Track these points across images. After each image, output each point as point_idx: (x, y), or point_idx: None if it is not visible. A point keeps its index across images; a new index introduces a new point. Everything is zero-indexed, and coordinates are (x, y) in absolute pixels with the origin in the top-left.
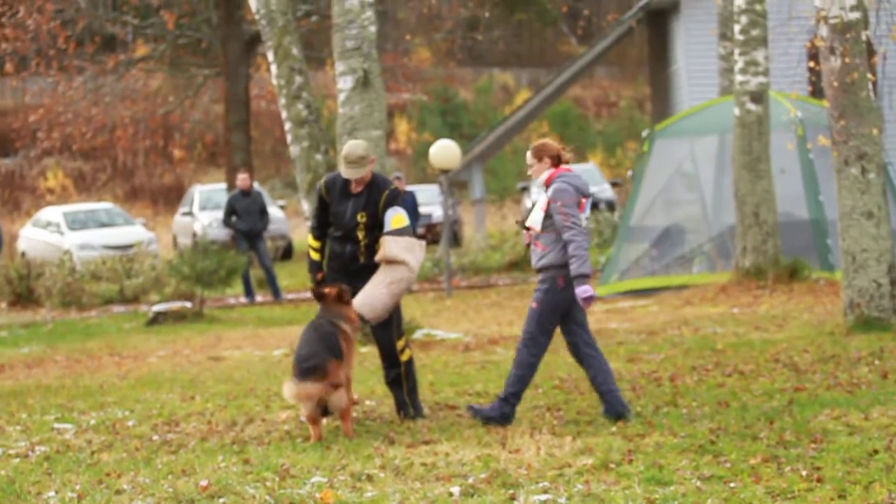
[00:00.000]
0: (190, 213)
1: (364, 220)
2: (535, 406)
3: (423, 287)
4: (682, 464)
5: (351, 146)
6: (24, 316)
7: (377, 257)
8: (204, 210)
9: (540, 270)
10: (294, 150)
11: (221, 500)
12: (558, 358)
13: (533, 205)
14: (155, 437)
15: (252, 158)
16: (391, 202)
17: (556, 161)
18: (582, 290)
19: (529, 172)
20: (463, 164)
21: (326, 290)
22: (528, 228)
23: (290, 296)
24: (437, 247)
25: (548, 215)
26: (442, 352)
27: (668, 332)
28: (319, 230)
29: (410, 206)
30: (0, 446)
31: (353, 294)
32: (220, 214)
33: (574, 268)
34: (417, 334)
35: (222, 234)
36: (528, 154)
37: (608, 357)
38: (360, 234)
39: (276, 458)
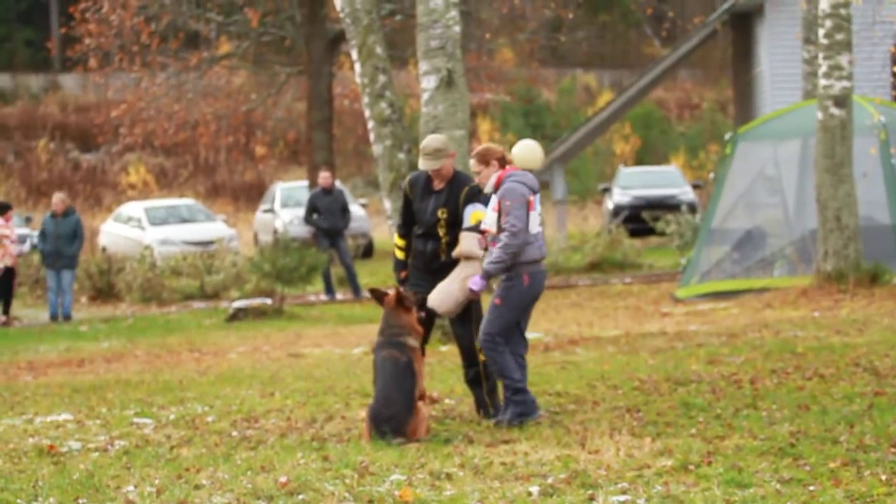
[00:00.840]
0: (271, 211)
1: (445, 216)
2: (615, 407)
3: None
4: (762, 466)
5: (429, 139)
6: (105, 311)
7: (454, 253)
8: (285, 207)
9: (507, 270)
10: (376, 149)
11: (300, 497)
12: (638, 359)
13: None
14: (234, 433)
15: (334, 157)
16: (471, 199)
17: (502, 163)
18: (475, 281)
19: (477, 180)
20: (545, 165)
21: (386, 293)
22: (483, 232)
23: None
24: None
25: (501, 215)
26: None
27: (748, 334)
28: (404, 228)
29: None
30: (80, 440)
31: (423, 300)
32: (301, 212)
33: (487, 263)
34: None
35: (303, 231)
36: (473, 161)
37: (688, 360)
38: (441, 231)
39: (355, 455)
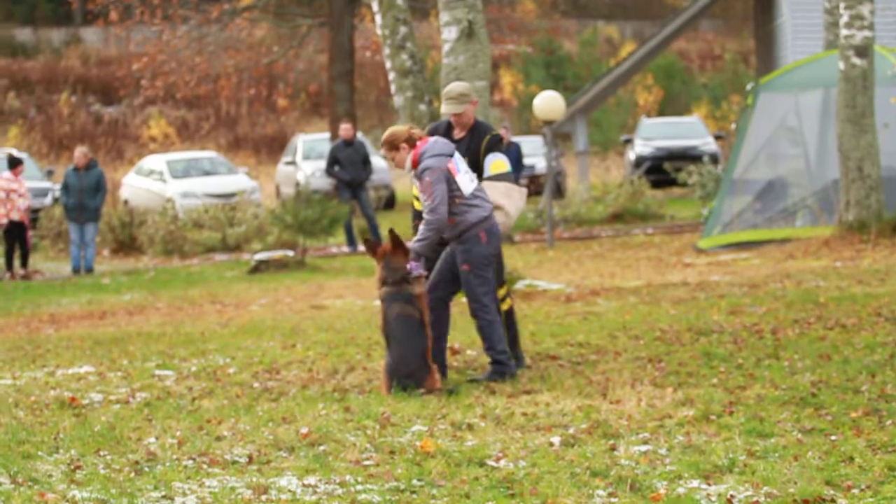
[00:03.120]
0: (293, 163)
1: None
2: (637, 357)
3: (526, 238)
4: (783, 416)
5: (453, 84)
6: (127, 263)
7: None
8: (307, 160)
9: (460, 236)
10: (398, 101)
11: (322, 448)
12: (660, 309)
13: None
14: (256, 385)
15: (355, 108)
16: (492, 147)
17: (412, 142)
18: (411, 265)
19: (393, 167)
20: (567, 116)
21: (379, 243)
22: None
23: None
24: (540, 198)
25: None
26: (544, 302)
27: (770, 285)
28: None
29: (515, 157)
30: (101, 392)
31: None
32: (323, 164)
33: (414, 241)
34: (519, 285)
35: (325, 183)
36: (383, 151)
37: (710, 310)
38: None
39: (376, 406)
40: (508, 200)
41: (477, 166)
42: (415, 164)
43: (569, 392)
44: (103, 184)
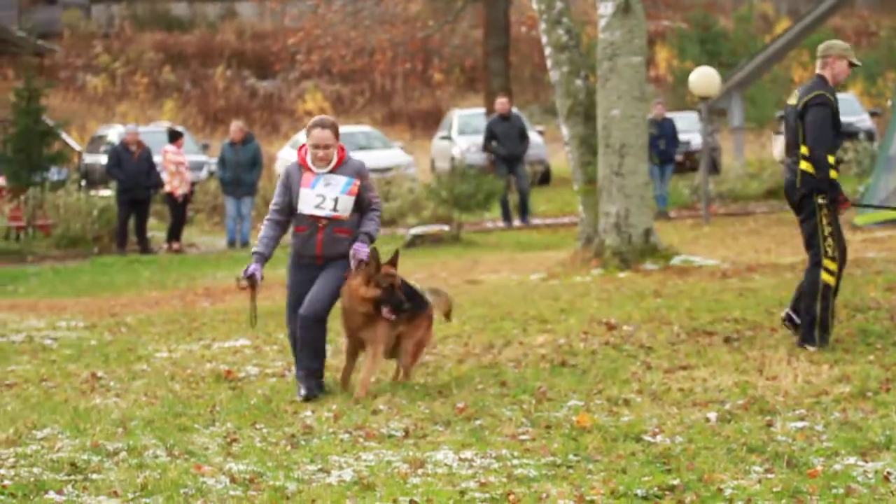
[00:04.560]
0: (448, 138)
1: None
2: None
3: (682, 214)
4: None
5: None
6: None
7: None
8: (462, 134)
9: (342, 257)
10: (554, 76)
11: (477, 423)
12: None
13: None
14: None
15: (510, 84)
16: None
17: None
18: (359, 247)
19: (330, 159)
20: (722, 92)
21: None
22: (333, 218)
23: (547, 221)
24: (696, 174)
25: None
26: (699, 278)
27: None
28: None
29: (670, 133)
30: (257, 366)
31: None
32: (478, 139)
33: (372, 228)
34: (675, 260)
35: (480, 158)
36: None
37: (866, 287)
38: None
39: (532, 381)
40: None
41: None
42: (341, 163)
43: (725, 368)
44: (259, 158)
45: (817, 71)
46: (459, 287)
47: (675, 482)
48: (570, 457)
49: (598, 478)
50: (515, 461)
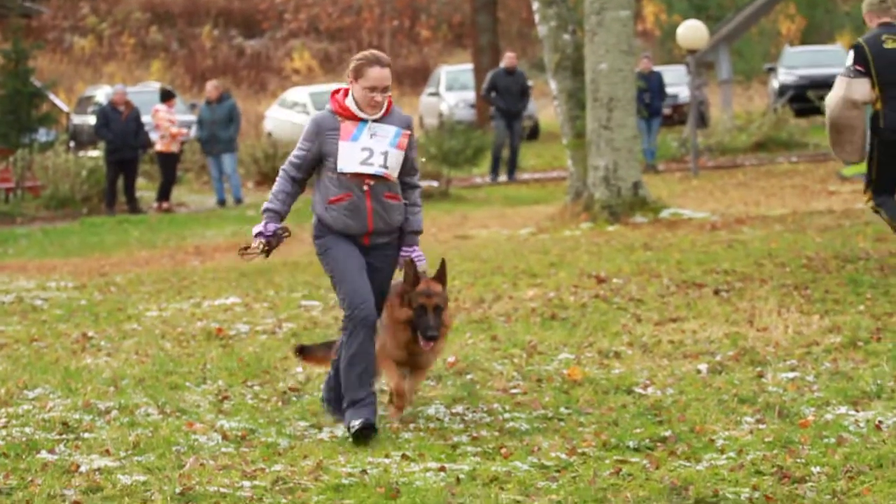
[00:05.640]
0: (436, 94)
1: None
2: (783, 285)
3: (670, 167)
4: None
5: None
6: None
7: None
8: (450, 90)
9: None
10: (541, 30)
11: (469, 377)
12: (805, 237)
13: None
14: None
15: (498, 39)
16: None
17: None
18: (411, 251)
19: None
20: (710, 45)
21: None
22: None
23: (536, 175)
24: (684, 127)
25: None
26: (689, 231)
27: None
28: None
29: (657, 86)
30: (248, 323)
31: None
32: (466, 95)
33: (420, 223)
34: (664, 213)
35: (468, 114)
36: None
37: (856, 237)
38: None
39: (523, 334)
40: None
41: None
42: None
43: (715, 319)
44: (236, 115)
45: None
46: (449, 242)
47: (667, 434)
48: (562, 410)
49: (590, 430)
50: (507, 415)
